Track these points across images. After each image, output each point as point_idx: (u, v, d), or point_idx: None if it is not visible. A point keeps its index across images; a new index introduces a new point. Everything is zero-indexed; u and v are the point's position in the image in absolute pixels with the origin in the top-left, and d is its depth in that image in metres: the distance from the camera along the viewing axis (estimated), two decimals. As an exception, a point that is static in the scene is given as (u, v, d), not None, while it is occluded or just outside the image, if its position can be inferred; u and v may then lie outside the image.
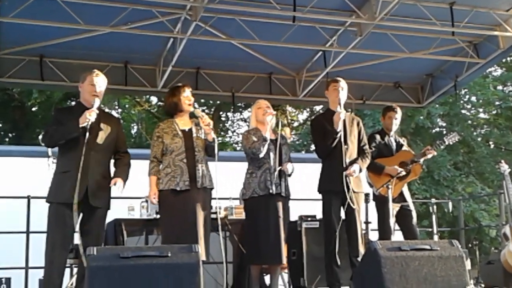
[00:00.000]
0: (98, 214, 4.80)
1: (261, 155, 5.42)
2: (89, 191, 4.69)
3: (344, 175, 5.41)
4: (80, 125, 4.67)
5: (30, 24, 6.57)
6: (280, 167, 5.51)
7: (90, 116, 4.69)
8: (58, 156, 4.89)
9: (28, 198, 6.79)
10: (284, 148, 5.62)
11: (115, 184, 4.78)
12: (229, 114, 21.44)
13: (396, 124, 6.44)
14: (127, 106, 20.79)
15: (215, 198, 5.34)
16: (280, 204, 5.45)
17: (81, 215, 4.67)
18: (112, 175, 4.92)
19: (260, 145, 5.40)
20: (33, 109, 19.46)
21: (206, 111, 20.81)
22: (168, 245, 4.16)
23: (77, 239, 4.77)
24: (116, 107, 20.58)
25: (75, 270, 5.51)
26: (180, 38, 7.14)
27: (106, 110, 4.99)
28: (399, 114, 6.45)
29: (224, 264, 5.43)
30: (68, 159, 4.75)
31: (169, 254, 3.83)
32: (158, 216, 5.67)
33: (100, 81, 4.89)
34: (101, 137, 4.81)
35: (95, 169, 4.74)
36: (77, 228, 4.68)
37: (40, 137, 5.25)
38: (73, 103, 5.04)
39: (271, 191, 5.39)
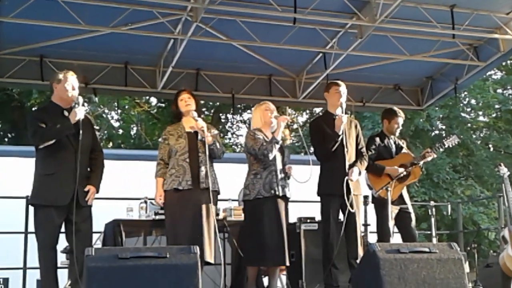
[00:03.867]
0: (86, 213, 4.83)
1: (271, 157, 5.44)
2: (79, 192, 4.72)
3: (346, 179, 5.42)
4: (72, 122, 4.72)
5: (31, 24, 6.57)
6: (286, 171, 5.56)
7: (80, 113, 4.74)
8: (39, 158, 4.86)
9: (27, 198, 6.73)
10: (286, 151, 5.68)
11: (87, 199, 4.83)
12: (229, 116, 21.42)
13: (400, 128, 6.47)
14: (126, 107, 20.75)
15: (221, 200, 5.42)
16: (282, 206, 5.49)
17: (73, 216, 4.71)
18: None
19: (272, 147, 5.43)
20: (33, 109, 19.43)
21: (206, 112, 20.81)
22: (167, 246, 4.16)
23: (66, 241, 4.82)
24: (116, 107, 20.57)
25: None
26: (181, 39, 7.14)
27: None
28: (402, 118, 6.49)
29: (222, 266, 5.43)
30: (52, 161, 4.77)
31: (168, 255, 3.83)
32: (158, 217, 5.70)
33: (74, 80, 4.92)
34: (82, 138, 4.81)
35: (81, 170, 4.78)
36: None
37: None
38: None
39: (277, 192, 5.41)
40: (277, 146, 5.45)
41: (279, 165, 5.52)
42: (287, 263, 5.47)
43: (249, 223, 5.56)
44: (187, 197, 5.08)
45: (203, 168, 5.15)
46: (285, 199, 5.55)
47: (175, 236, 5.05)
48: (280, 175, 5.49)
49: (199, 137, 5.23)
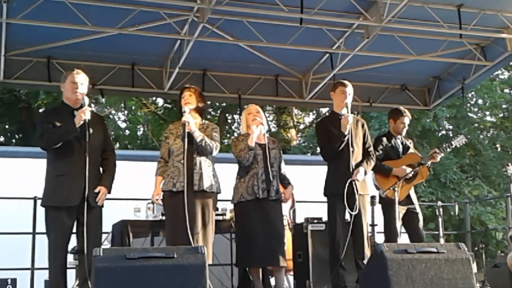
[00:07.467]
0: (95, 213, 4.82)
1: (247, 164, 5.46)
2: (89, 193, 4.72)
3: (349, 180, 5.40)
4: (77, 125, 4.70)
5: (38, 26, 6.61)
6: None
7: (85, 115, 4.72)
8: (50, 159, 4.86)
9: (35, 199, 6.79)
10: (273, 152, 5.61)
11: (98, 200, 4.83)
12: (236, 116, 21.43)
13: (406, 127, 6.46)
14: (133, 107, 20.80)
15: (228, 201, 5.41)
16: (269, 208, 5.45)
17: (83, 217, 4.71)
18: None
19: (246, 154, 5.42)
20: (40, 110, 19.48)
21: (213, 113, 20.81)
22: (175, 246, 4.17)
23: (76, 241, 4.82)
24: (123, 108, 20.62)
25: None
26: (187, 40, 7.15)
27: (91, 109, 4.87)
28: (409, 118, 6.47)
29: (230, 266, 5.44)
30: (62, 162, 4.76)
31: (175, 256, 3.83)
32: (165, 217, 5.70)
33: (81, 79, 4.89)
34: (92, 138, 4.80)
35: (91, 170, 4.75)
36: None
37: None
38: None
39: (257, 195, 5.40)
40: (252, 152, 5.42)
41: (261, 168, 5.48)
42: (282, 264, 5.43)
43: (236, 226, 5.63)
44: (181, 199, 4.98)
45: (197, 169, 5.09)
46: (272, 200, 5.48)
47: (172, 238, 5.03)
48: (262, 178, 5.45)
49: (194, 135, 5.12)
